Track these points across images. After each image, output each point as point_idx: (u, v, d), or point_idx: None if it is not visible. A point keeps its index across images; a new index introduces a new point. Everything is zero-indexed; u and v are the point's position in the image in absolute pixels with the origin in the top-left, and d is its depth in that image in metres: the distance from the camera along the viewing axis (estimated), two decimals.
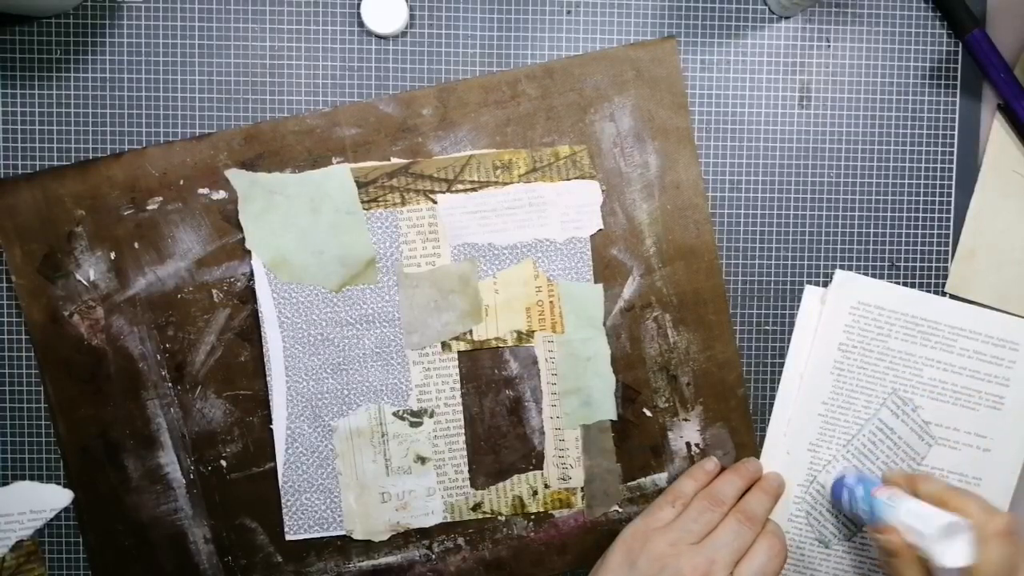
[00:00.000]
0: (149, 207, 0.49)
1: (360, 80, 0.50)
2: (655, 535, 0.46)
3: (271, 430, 0.50)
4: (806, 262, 0.52)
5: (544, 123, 0.49)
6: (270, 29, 0.49)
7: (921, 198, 0.52)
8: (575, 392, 0.50)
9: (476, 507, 0.51)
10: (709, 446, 0.51)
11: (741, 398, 0.51)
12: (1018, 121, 0.50)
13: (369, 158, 0.49)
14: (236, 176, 0.49)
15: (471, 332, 0.50)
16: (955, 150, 0.52)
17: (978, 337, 0.51)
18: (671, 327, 0.51)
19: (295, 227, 0.49)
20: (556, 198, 0.50)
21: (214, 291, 0.49)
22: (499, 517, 0.51)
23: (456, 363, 0.50)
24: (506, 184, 0.49)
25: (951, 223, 0.52)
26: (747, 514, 0.47)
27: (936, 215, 0.52)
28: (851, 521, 0.52)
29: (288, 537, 0.50)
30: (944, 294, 0.52)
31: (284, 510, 0.50)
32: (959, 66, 0.51)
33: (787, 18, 0.51)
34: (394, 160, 0.49)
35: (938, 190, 0.52)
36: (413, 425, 0.50)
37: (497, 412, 0.51)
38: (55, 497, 0.50)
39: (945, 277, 0.52)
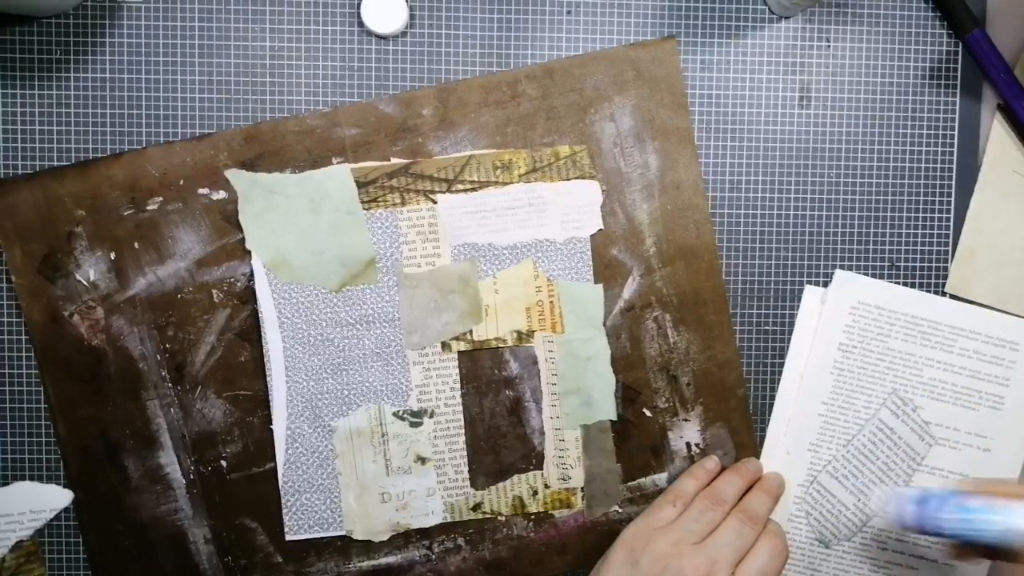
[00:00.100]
0: (149, 207, 0.49)
1: (360, 80, 0.50)
2: (657, 535, 0.46)
3: (271, 430, 0.50)
4: (806, 262, 0.52)
5: (544, 123, 0.49)
6: (270, 29, 0.49)
7: (921, 198, 0.52)
8: (575, 392, 0.50)
9: (476, 507, 0.51)
10: (709, 446, 0.51)
11: (741, 398, 0.51)
12: (1018, 121, 0.50)
13: (369, 158, 0.49)
14: (236, 176, 0.49)
15: (471, 332, 0.50)
16: (955, 150, 0.52)
17: (978, 337, 0.51)
18: (671, 327, 0.51)
19: (295, 227, 0.49)
20: (556, 198, 0.50)
21: (214, 291, 0.49)
22: (499, 517, 0.51)
23: (456, 363, 0.50)
24: (506, 184, 0.49)
25: (951, 223, 0.52)
26: (748, 513, 0.47)
27: (936, 215, 0.52)
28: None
29: (288, 537, 0.50)
30: (944, 294, 0.52)
31: (284, 510, 0.50)
32: (959, 66, 0.51)
33: (787, 18, 0.51)
34: (394, 160, 0.49)
35: (938, 190, 0.52)
36: (413, 425, 0.50)
37: (497, 412, 0.51)
38: (55, 497, 0.50)
39: (945, 277, 0.52)
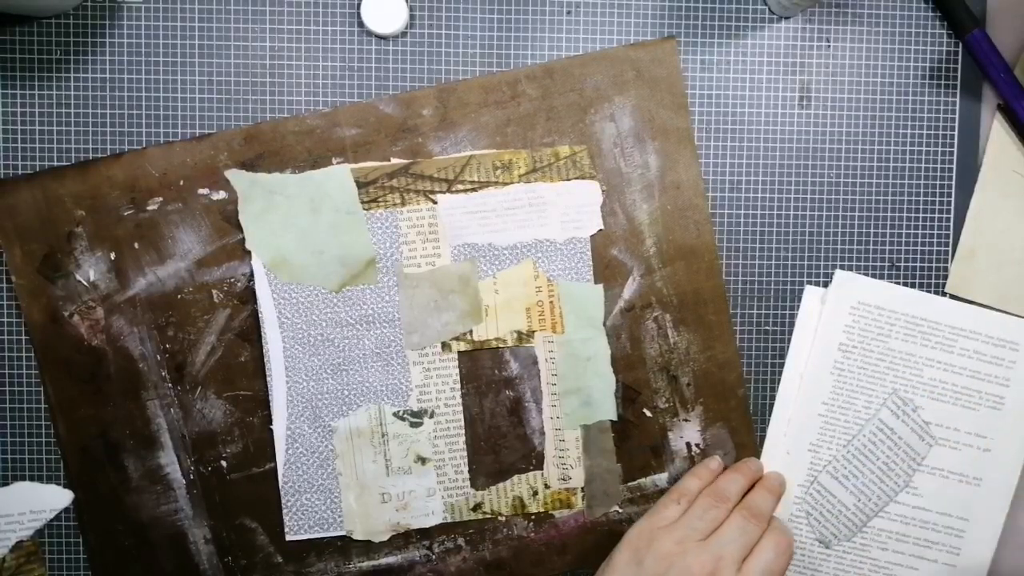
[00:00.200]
0: (149, 207, 0.49)
1: (360, 80, 0.50)
2: (661, 534, 0.45)
3: (271, 430, 0.50)
4: (806, 262, 0.52)
5: (544, 123, 0.49)
6: (270, 29, 0.49)
7: (921, 198, 0.52)
8: (575, 392, 0.50)
9: (476, 507, 0.51)
10: (709, 446, 0.51)
11: (741, 398, 0.51)
12: (1018, 121, 0.50)
13: (369, 158, 0.49)
14: (236, 176, 0.49)
15: (471, 332, 0.50)
16: (955, 150, 0.52)
17: (978, 337, 0.51)
18: (671, 327, 0.51)
19: (295, 227, 0.49)
20: (556, 198, 0.50)
21: (214, 291, 0.49)
22: (499, 517, 0.51)
23: (456, 363, 0.50)
24: (506, 184, 0.49)
25: (951, 223, 0.52)
26: (752, 510, 0.47)
27: (936, 215, 0.52)
28: (852, 522, 0.51)
29: (288, 537, 0.50)
30: (944, 294, 0.52)
31: (284, 510, 0.50)
32: (959, 66, 0.51)
33: (787, 18, 0.51)
34: (394, 160, 0.49)
35: (938, 190, 0.52)
36: (413, 425, 0.50)
37: (497, 412, 0.51)
38: (55, 497, 0.50)
39: (945, 277, 0.52)
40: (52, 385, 0.49)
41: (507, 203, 0.50)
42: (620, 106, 0.50)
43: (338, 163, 0.49)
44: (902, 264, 0.52)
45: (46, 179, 0.48)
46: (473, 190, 0.49)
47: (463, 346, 0.50)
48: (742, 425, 0.51)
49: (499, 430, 0.51)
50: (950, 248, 0.52)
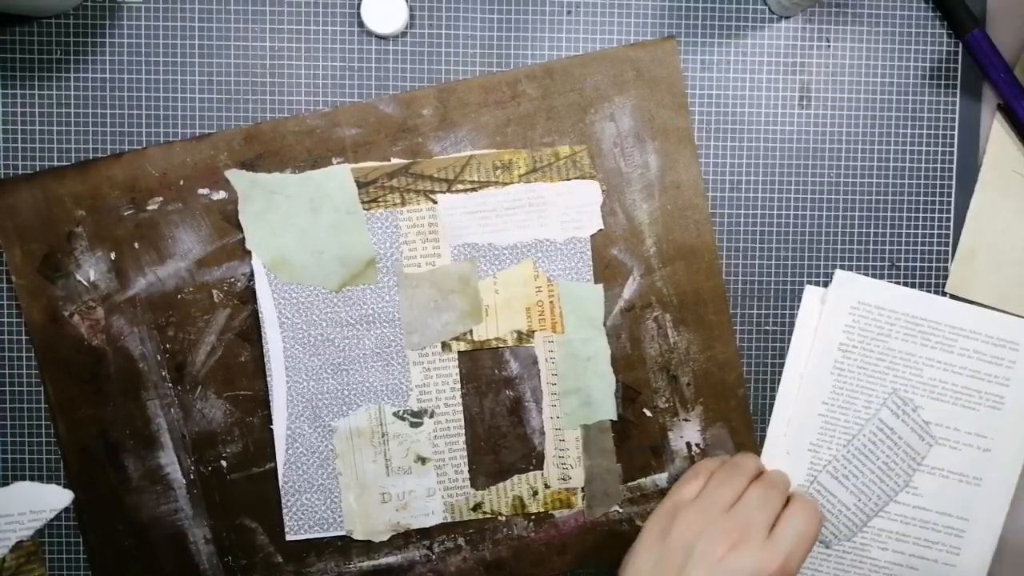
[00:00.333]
0: (149, 207, 0.49)
1: (360, 80, 0.50)
2: (684, 509, 0.45)
3: (271, 430, 0.50)
4: (806, 262, 0.52)
5: (544, 123, 0.49)
6: (270, 29, 0.49)
7: (921, 198, 0.52)
8: (575, 392, 0.50)
9: (476, 507, 0.51)
10: (709, 446, 0.51)
11: (741, 398, 0.51)
12: (1018, 121, 0.50)
13: (369, 158, 0.49)
14: (236, 176, 0.49)
15: (471, 332, 0.50)
16: (955, 150, 0.52)
17: (978, 337, 0.51)
18: (671, 327, 0.51)
19: (295, 227, 0.49)
20: (556, 198, 0.50)
21: (214, 291, 0.49)
22: (499, 517, 0.51)
23: (456, 363, 0.50)
24: (506, 184, 0.49)
25: (951, 223, 0.52)
26: (771, 480, 0.46)
27: (936, 215, 0.52)
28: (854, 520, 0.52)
29: (288, 537, 0.50)
30: (944, 294, 0.52)
31: (284, 510, 0.50)
32: (959, 66, 0.51)
33: (787, 18, 0.51)
34: (394, 160, 0.49)
35: (938, 190, 0.52)
36: (413, 425, 0.50)
37: (497, 412, 0.51)
38: (55, 497, 0.50)
39: (945, 277, 0.52)
40: (52, 385, 0.49)
41: (507, 203, 0.50)
42: (620, 106, 0.50)
43: (338, 163, 0.49)
44: (902, 264, 0.52)
45: (46, 179, 0.48)
46: (473, 190, 0.49)
47: (463, 346, 0.50)
48: (742, 425, 0.51)
49: (499, 430, 0.51)
50: (950, 248, 0.52)
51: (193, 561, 0.50)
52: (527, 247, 0.50)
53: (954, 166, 0.52)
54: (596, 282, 0.50)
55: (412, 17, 0.50)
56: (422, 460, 0.50)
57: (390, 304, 0.50)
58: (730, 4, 0.51)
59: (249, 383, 0.50)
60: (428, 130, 0.49)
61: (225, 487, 0.50)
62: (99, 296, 0.49)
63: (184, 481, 0.50)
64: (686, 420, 0.51)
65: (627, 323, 0.50)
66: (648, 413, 0.51)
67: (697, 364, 0.51)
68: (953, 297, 0.52)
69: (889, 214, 0.52)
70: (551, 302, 0.50)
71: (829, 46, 0.51)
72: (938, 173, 0.52)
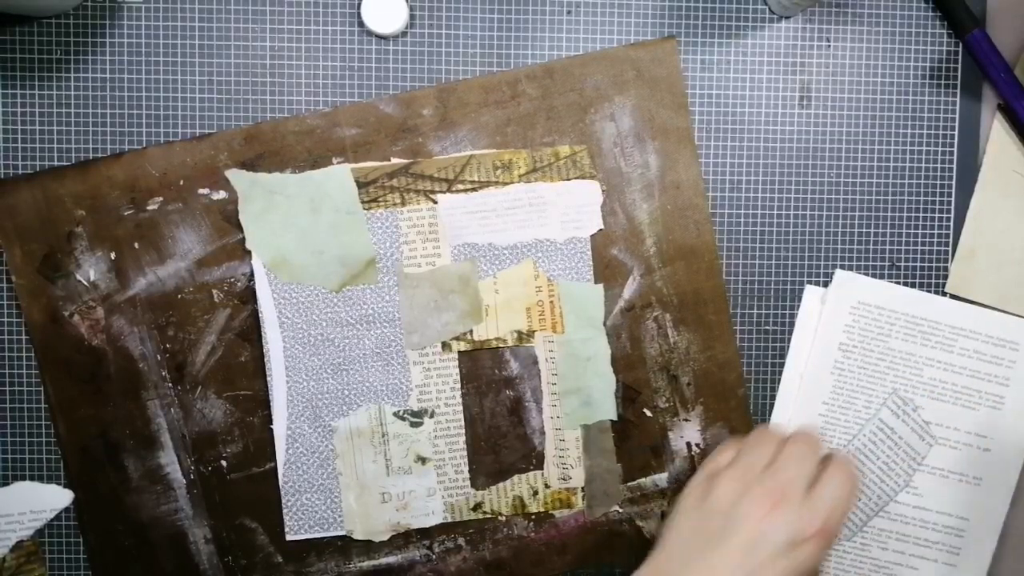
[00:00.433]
0: (149, 207, 0.49)
1: (360, 80, 0.50)
2: (722, 474, 0.45)
3: (271, 430, 0.50)
4: (806, 262, 0.52)
5: (544, 123, 0.49)
6: (270, 29, 0.49)
7: (921, 198, 0.52)
8: (575, 392, 0.50)
9: (476, 507, 0.51)
10: (709, 446, 0.51)
11: (741, 398, 0.51)
12: (1018, 121, 0.50)
13: (369, 158, 0.49)
14: (236, 176, 0.49)
15: (471, 332, 0.50)
16: (955, 150, 0.52)
17: (978, 337, 0.51)
18: (671, 327, 0.51)
19: (295, 227, 0.49)
20: (556, 198, 0.50)
21: (214, 291, 0.49)
22: (499, 517, 0.51)
23: (456, 363, 0.50)
24: (506, 184, 0.49)
25: (951, 223, 0.52)
26: (804, 438, 0.45)
27: (936, 215, 0.52)
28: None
29: (288, 537, 0.50)
30: (944, 294, 0.52)
31: (284, 510, 0.50)
32: (959, 66, 0.51)
33: (787, 18, 0.51)
34: (394, 160, 0.49)
35: (938, 190, 0.52)
36: (413, 425, 0.50)
37: (497, 412, 0.51)
38: (55, 497, 0.50)
39: (945, 277, 0.52)
40: (52, 385, 0.49)
41: (507, 203, 0.50)
42: (620, 106, 0.50)
43: (338, 163, 0.49)
44: (902, 264, 0.52)
45: (46, 179, 0.48)
46: (473, 190, 0.49)
47: (463, 346, 0.50)
48: (742, 425, 0.51)
49: (499, 430, 0.51)
50: (950, 248, 0.52)
51: (193, 561, 0.50)
52: (527, 247, 0.50)
53: (954, 166, 0.52)
54: (596, 282, 0.50)
55: (412, 17, 0.50)
56: (422, 460, 0.50)
57: (390, 304, 0.50)
58: (730, 4, 0.51)
59: (249, 383, 0.50)
60: (428, 130, 0.49)
61: (225, 487, 0.50)
62: (99, 296, 0.49)
63: (184, 481, 0.50)
64: (686, 420, 0.51)
65: (627, 323, 0.50)
66: (648, 413, 0.51)
67: (697, 364, 0.51)
68: (953, 297, 0.52)
69: (889, 214, 0.52)
70: (551, 302, 0.50)
71: (829, 46, 0.51)
72: (938, 173, 0.52)
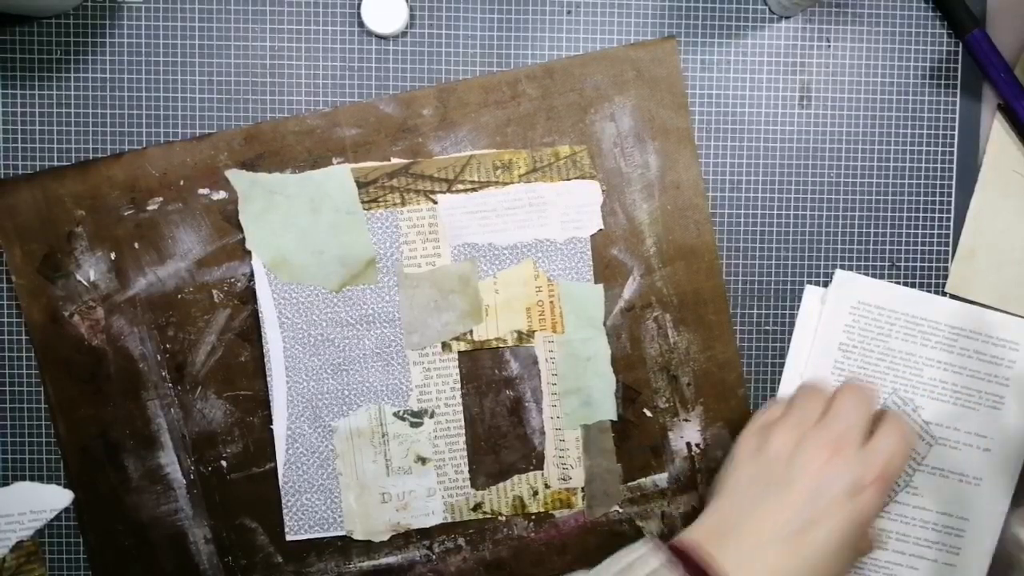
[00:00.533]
0: (149, 207, 0.49)
1: (360, 80, 0.50)
2: (775, 427, 0.45)
3: (271, 430, 0.50)
4: (806, 262, 0.52)
5: (544, 123, 0.49)
6: (270, 29, 0.49)
7: (921, 198, 0.52)
8: (575, 392, 0.50)
9: (476, 507, 0.51)
10: (709, 446, 0.51)
11: (741, 398, 0.51)
12: (1018, 121, 0.50)
13: (369, 158, 0.49)
14: (236, 176, 0.49)
15: (471, 332, 0.50)
16: (955, 150, 0.52)
17: (978, 337, 0.51)
18: (671, 327, 0.51)
19: (295, 227, 0.49)
20: (556, 198, 0.50)
21: (214, 291, 0.49)
22: (499, 517, 0.51)
23: (456, 363, 0.50)
24: (506, 184, 0.49)
25: (951, 223, 0.52)
26: (856, 387, 0.46)
27: (936, 215, 0.52)
28: None
29: (288, 537, 0.50)
30: (944, 294, 0.52)
31: (284, 510, 0.50)
32: (959, 66, 0.51)
33: (787, 18, 0.51)
34: (394, 160, 0.49)
35: (938, 190, 0.52)
36: (413, 425, 0.50)
37: (497, 412, 0.51)
38: (55, 497, 0.50)
39: (945, 277, 0.52)
40: (52, 385, 0.49)
41: (507, 203, 0.50)
42: (620, 106, 0.50)
43: (338, 163, 0.49)
44: (902, 264, 0.52)
45: (46, 179, 0.48)
46: (473, 190, 0.49)
47: (463, 346, 0.50)
48: (742, 425, 0.51)
49: (499, 430, 0.51)
50: (950, 248, 0.52)
51: (193, 561, 0.50)
52: (527, 247, 0.50)
53: (954, 166, 0.52)
54: (596, 282, 0.50)
55: (412, 17, 0.50)
56: (422, 460, 0.50)
57: (390, 304, 0.50)
58: (730, 4, 0.51)
59: (249, 383, 0.50)
60: (428, 130, 0.49)
61: (225, 487, 0.50)
62: (99, 296, 0.49)
63: (184, 481, 0.50)
64: (686, 420, 0.51)
65: (627, 323, 0.50)
66: (648, 413, 0.51)
67: (697, 364, 0.51)
68: (953, 297, 0.52)
69: (889, 214, 0.52)
70: (551, 302, 0.50)
71: (829, 46, 0.51)
72: (938, 173, 0.52)
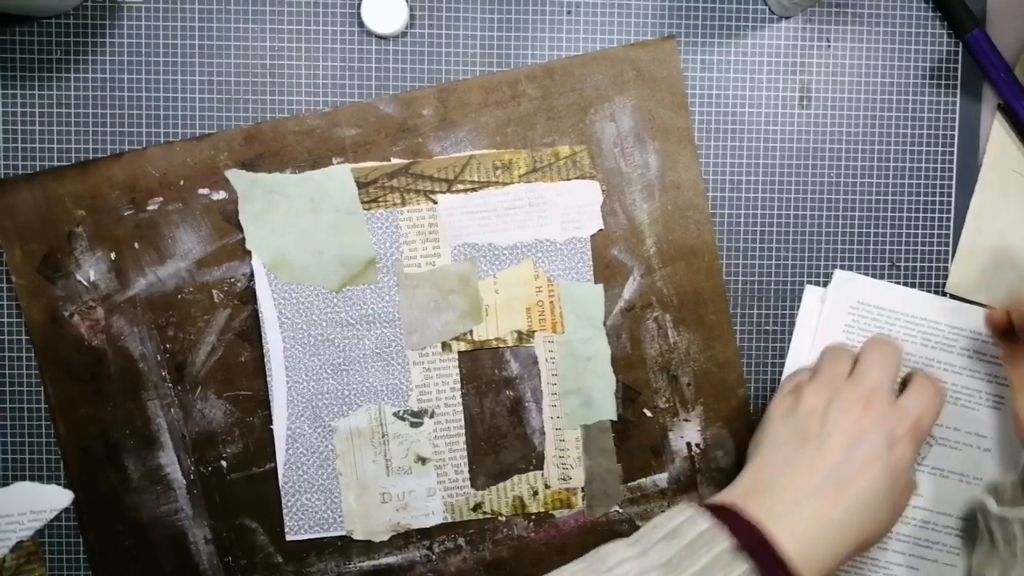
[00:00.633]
0: (149, 207, 0.49)
1: (360, 80, 0.50)
2: (805, 387, 0.45)
3: (271, 430, 0.50)
4: (806, 262, 0.52)
5: (544, 123, 0.50)
6: (270, 29, 0.49)
7: (921, 198, 0.52)
8: (575, 392, 0.50)
9: (476, 507, 0.51)
10: (709, 446, 0.51)
11: (741, 398, 0.51)
12: (1018, 121, 0.50)
13: (369, 158, 0.49)
14: (236, 176, 0.49)
15: (471, 332, 0.50)
16: (955, 150, 0.52)
17: (978, 337, 0.51)
18: (671, 327, 0.51)
19: (295, 227, 0.49)
20: (556, 198, 0.50)
21: (214, 291, 0.49)
22: (499, 517, 0.51)
23: (456, 363, 0.50)
24: (506, 184, 0.49)
25: (951, 223, 0.52)
26: (882, 341, 0.46)
27: (936, 215, 0.52)
28: None
29: (288, 537, 0.50)
30: (944, 294, 0.52)
31: (284, 510, 0.50)
32: (959, 66, 0.51)
33: (787, 18, 0.51)
34: (394, 160, 0.49)
35: (938, 190, 0.52)
36: (413, 425, 0.50)
37: (497, 412, 0.51)
38: (55, 497, 0.50)
39: (945, 277, 0.52)
40: (52, 385, 0.49)
41: (507, 203, 0.50)
42: (620, 106, 0.50)
43: (338, 163, 0.49)
44: (902, 264, 0.52)
45: (46, 179, 0.48)
46: (473, 190, 0.49)
47: (463, 346, 0.50)
48: (742, 425, 0.51)
49: (499, 430, 0.51)
50: (950, 248, 0.52)
51: (193, 561, 0.50)
52: (527, 247, 0.50)
53: (954, 166, 0.52)
54: (596, 282, 0.50)
55: (412, 17, 0.50)
56: (422, 460, 0.50)
57: (390, 304, 0.50)
58: (730, 4, 0.51)
59: (249, 383, 0.50)
60: (428, 130, 0.49)
61: (225, 487, 0.50)
62: (99, 296, 0.49)
63: (184, 481, 0.50)
64: (686, 420, 0.51)
65: (627, 323, 0.50)
66: (648, 413, 0.51)
67: (697, 364, 0.51)
68: (953, 297, 0.52)
69: (889, 214, 0.52)
70: (551, 302, 0.50)
71: (829, 46, 0.51)
72: (938, 173, 0.52)
